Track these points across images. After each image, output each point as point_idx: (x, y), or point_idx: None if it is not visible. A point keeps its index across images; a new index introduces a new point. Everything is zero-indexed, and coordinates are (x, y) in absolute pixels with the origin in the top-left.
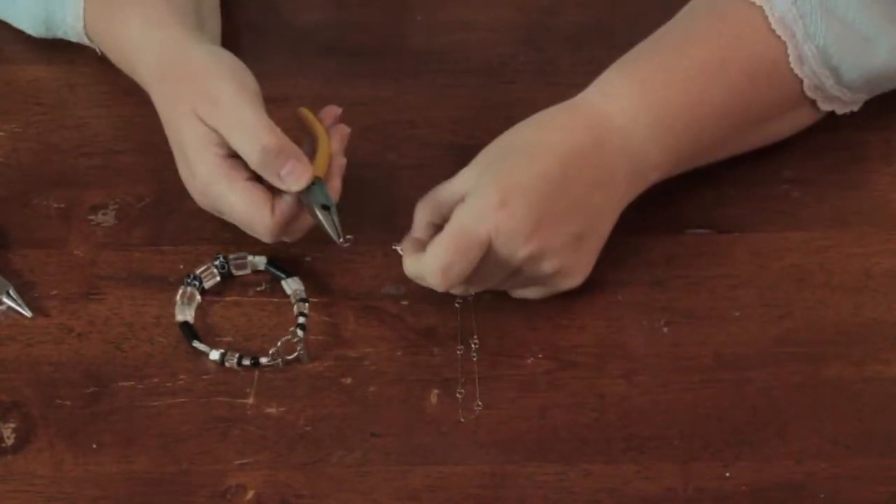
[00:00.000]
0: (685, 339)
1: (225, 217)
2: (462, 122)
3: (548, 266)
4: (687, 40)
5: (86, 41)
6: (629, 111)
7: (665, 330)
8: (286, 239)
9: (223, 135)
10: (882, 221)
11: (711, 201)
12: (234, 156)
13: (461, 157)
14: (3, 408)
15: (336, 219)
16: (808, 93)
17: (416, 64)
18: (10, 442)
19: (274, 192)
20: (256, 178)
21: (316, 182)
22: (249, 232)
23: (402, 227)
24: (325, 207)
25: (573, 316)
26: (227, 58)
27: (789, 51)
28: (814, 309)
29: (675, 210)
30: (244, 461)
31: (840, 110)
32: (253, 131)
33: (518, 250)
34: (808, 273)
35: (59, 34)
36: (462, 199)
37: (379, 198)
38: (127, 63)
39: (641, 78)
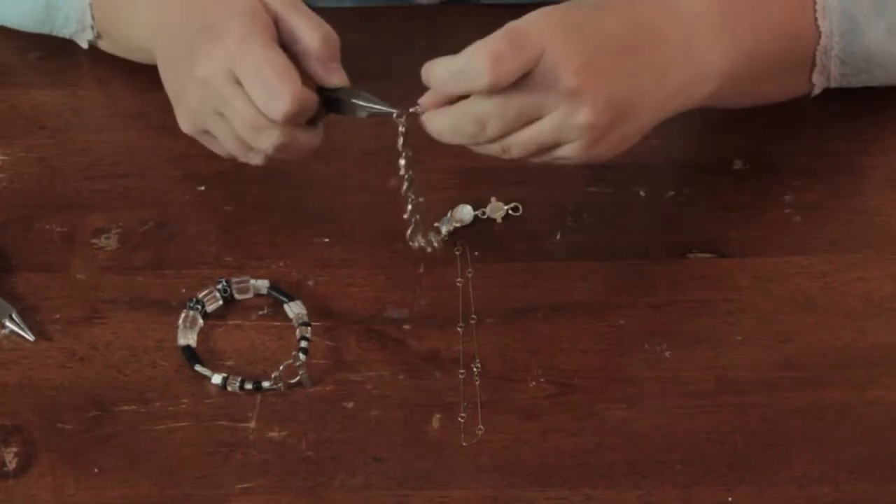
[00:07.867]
0: (687, 364)
1: (235, 99)
2: (465, 147)
3: (581, 117)
4: None
5: (86, 23)
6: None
7: (667, 354)
8: (296, 121)
9: (285, 14)
10: (884, 246)
11: (713, 225)
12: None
13: (464, 181)
14: (5, 432)
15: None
16: (818, 55)
17: (419, 89)
18: (11, 466)
19: None
20: None
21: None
22: (266, 101)
23: (404, 252)
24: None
25: (574, 339)
26: None
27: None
28: (816, 333)
29: (677, 234)
30: (246, 485)
31: (819, 88)
32: (315, 18)
33: (561, 80)
34: (810, 297)
35: (59, 23)
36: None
37: (381, 222)
38: (134, 13)
39: None
